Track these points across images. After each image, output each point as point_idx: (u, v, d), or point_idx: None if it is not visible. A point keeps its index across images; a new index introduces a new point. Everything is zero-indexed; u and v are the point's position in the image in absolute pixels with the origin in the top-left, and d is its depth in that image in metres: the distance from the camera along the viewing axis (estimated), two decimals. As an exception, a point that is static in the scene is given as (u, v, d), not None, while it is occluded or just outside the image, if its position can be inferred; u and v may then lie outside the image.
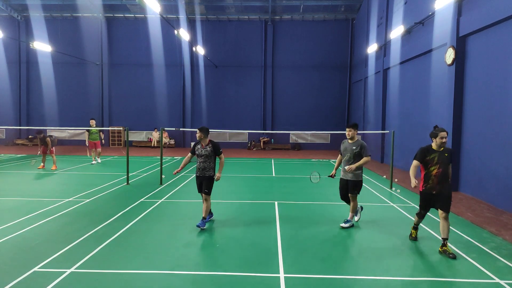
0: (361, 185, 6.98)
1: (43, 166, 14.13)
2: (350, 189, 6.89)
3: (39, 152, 14.54)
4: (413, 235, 6.35)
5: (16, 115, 25.22)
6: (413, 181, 5.71)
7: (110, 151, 20.74)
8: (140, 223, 7.09)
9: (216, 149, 6.82)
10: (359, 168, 6.89)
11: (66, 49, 23.87)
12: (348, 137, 7.04)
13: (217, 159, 7.16)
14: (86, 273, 4.82)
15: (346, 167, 6.78)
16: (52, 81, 24.82)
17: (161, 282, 4.61)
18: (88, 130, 15.54)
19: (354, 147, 6.89)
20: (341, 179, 7.11)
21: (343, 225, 6.96)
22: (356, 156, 6.90)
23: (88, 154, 17.15)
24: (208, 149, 6.74)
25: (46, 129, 13.87)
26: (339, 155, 7.21)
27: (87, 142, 15.71)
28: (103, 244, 5.86)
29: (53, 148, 14.18)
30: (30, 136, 25.20)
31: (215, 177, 6.84)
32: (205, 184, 6.80)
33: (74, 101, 25.06)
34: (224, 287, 4.53)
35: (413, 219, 7.65)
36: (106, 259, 5.30)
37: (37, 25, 24.55)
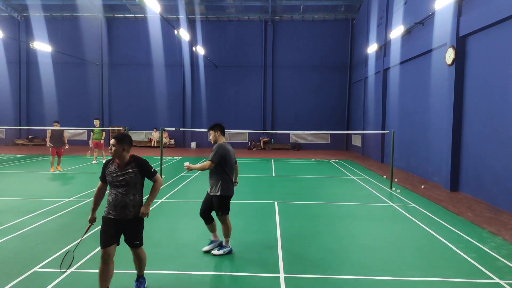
0: (225, 202, 5.43)
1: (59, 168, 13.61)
2: (214, 207, 5.49)
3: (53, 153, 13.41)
4: None
5: (16, 115, 25.22)
6: None
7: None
8: (140, 223, 7.08)
9: (145, 170, 4.15)
10: (214, 178, 5.42)
11: (66, 49, 23.87)
12: (212, 142, 5.58)
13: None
14: (86, 273, 4.82)
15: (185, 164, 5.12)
16: (52, 81, 24.81)
17: (161, 282, 4.61)
18: (91, 130, 15.62)
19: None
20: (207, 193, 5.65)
21: (215, 252, 5.51)
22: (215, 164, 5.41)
23: (88, 154, 17.17)
24: (130, 170, 4.05)
25: (46, 129, 13.78)
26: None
27: (91, 143, 15.82)
28: (103, 244, 5.85)
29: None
30: (30, 136, 25.20)
31: (141, 213, 4.12)
32: (131, 232, 4.14)
33: (74, 101, 25.06)
34: (224, 287, 4.53)
35: (413, 219, 7.67)
36: (106, 259, 5.29)
37: (37, 25, 24.55)
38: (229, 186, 5.47)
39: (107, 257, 3.95)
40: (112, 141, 3.98)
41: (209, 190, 5.53)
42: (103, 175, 4.14)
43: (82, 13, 24.37)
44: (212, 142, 5.56)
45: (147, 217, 4.23)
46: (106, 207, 4.10)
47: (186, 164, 5.09)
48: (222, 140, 5.58)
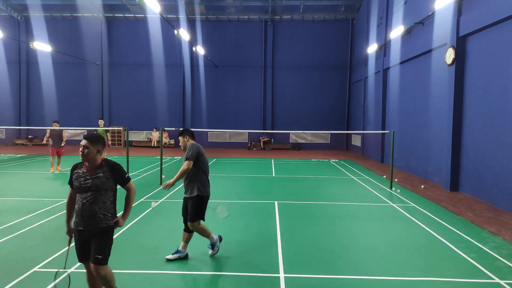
0: (201, 205, 5.21)
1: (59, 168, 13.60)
2: (188, 211, 5.20)
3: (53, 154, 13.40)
4: None
5: (16, 115, 25.22)
6: None
7: (110, 151, 20.73)
8: (140, 223, 7.09)
9: (118, 175, 3.72)
10: (191, 178, 5.20)
11: (66, 49, 23.86)
12: (182, 147, 5.43)
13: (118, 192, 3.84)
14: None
15: (162, 185, 5.10)
16: (52, 81, 24.82)
17: (161, 282, 4.61)
18: (95, 130, 15.65)
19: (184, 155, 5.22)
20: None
21: (169, 257, 5.26)
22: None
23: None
24: (101, 175, 3.62)
25: (46, 129, 13.77)
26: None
27: None
28: (103, 244, 5.85)
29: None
30: (30, 136, 25.20)
31: (114, 223, 3.73)
32: (96, 244, 3.64)
33: (74, 101, 25.06)
34: (224, 287, 4.53)
35: (413, 219, 7.67)
36: (106, 259, 5.29)
37: (37, 25, 24.56)
38: (206, 187, 5.27)
39: (89, 268, 3.69)
40: (83, 142, 3.58)
41: (184, 193, 5.28)
42: (71, 179, 3.70)
43: (82, 13, 24.37)
44: (182, 148, 5.41)
45: (120, 226, 3.80)
46: (75, 217, 3.67)
47: (164, 184, 4.97)
48: (190, 143, 5.38)
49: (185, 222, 5.31)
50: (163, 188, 4.98)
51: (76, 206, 3.65)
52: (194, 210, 5.12)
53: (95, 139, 3.61)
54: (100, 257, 3.60)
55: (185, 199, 5.28)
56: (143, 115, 24.76)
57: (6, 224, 6.79)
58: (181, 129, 5.50)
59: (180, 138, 5.43)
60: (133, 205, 8.59)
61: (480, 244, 6.10)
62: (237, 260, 5.35)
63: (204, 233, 5.30)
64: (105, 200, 3.65)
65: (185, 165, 5.06)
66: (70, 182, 3.72)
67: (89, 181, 3.57)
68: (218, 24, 24.73)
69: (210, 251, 5.44)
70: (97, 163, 3.64)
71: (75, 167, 3.71)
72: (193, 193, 5.16)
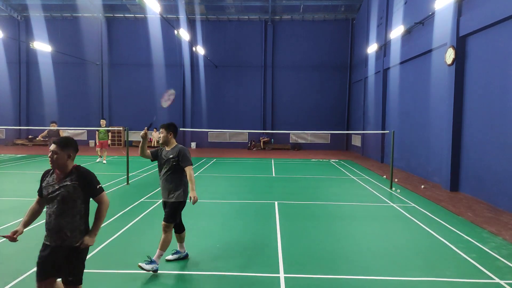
0: (181, 209, 5.05)
1: None
2: (165, 214, 4.99)
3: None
4: None
5: (16, 115, 25.22)
6: None
7: (110, 151, 20.74)
8: (140, 223, 7.09)
9: (87, 184, 3.27)
10: (177, 181, 4.98)
11: (66, 49, 23.87)
12: (160, 142, 5.14)
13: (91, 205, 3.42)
14: (86, 273, 4.79)
15: (190, 197, 4.92)
16: (52, 81, 24.82)
17: (161, 282, 4.61)
18: (97, 130, 15.88)
19: (171, 156, 4.96)
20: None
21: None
22: (175, 169, 4.95)
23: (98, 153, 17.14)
24: (69, 183, 3.20)
25: (46, 129, 13.77)
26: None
27: (96, 141, 16.04)
28: (103, 244, 5.85)
29: None
30: (30, 136, 25.20)
31: (87, 241, 3.30)
32: (65, 265, 3.26)
33: (74, 101, 25.06)
34: (224, 287, 4.53)
35: (413, 219, 7.67)
36: (106, 259, 5.30)
37: (37, 25, 24.56)
38: (187, 191, 5.09)
39: None
40: (52, 146, 3.16)
41: (165, 195, 4.98)
42: (40, 188, 3.33)
43: (82, 13, 24.37)
44: (161, 142, 5.08)
45: (89, 245, 3.32)
46: (46, 234, 3.30)
47: (194, 201, 4.85)
48: (174, 142, 5.09)
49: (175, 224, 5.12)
50: (194, 203, 4.91)
51: (46, 218, 3.25)
52: (174, 212, 4.93)
53: (65, 143, 3.21)
54: (71, 279, 3.24)
55: (166, 202, 5.02)
56: (143, 115, 24.73)
57: (6, 224, 6.80)
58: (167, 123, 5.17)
59: (163, 131, 5.05)
60: (133, 205, 8.60)
61: (480, 244, 6.10)
62: (237, 260, 5.35)
63: (168, 242, 4.91)
64: (74, 214, 3.20)
65: (192, 174, 4.96)
66: (40, 191, 3.34)
67: (56, 191, 3.16)
68: (218, 24, 24.73)
69: (146, 264, 4.74)
70: (67, 170, 3.23)
71: (45, 174, 3.34)
72: (179, 197, 4.95)
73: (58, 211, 3.16)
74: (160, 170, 5.09)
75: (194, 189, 4.94)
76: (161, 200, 5.19)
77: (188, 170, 4.96)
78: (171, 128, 5.09)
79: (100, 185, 3.34)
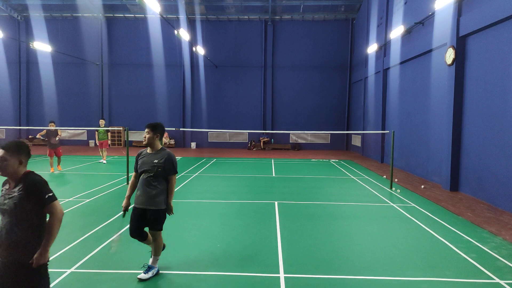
0: (165, 216, 4.80)
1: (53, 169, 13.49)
2: (150, 223, 4.66)
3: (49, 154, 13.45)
4: None
5: (16, 115, 25.22)
6: None
7: (110, 151, 20.74)
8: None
9: (33, 194, 2.87)
10: (160, 188, 4.66)
11: (66, 49, 23.88)
12: (144, 143, 4.75)
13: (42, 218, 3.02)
14: (86, 273, 4.82)
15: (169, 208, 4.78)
16: (52, 81, 24.81)
17: (161, 282, 4.61)
18: (96, 130, 15.92)
19: (156, 160, 4.61)
20: (134, 208, 4.71)
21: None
22: (160, 175, 4.63)
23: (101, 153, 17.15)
24: (16, 194, 2.85)
25: (45, 129, 13.77)
26: (133, 175, 4.80)
27: (96, 141, 16.07)
28: (103, 244, 5.86)
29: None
30: (30, 136, 25.21)
31: (37, 259, 2.85)
32: (21, 283, 2.84)
33: (74, 101, 25.06)
34: (224, 287, 4.53)
35: (413, 219, 7.67)
36: (106, 259, 5.30)
37: (37, 25, 24.55)
38: (166, 198, 4.80)
39: None
40: (0, 152, 2.83)
41: (144, 201, 4.61)
42: None
43: (82, 13, 24.37)
44: (144, 143, 4.71)
45: (42, 263, 2.87)
46: None
47: (170, 212, 4.77)
48: (159, 145, 4.75)
49: (136, 233, 4.72)
50: (170, 215, 4.81)
51: None
52: (159, 219, 4.71)
53: (15, 148, 2.87)
54: None
55: (139, 208, 4.66)
56: (143, 115, 24.74)
57: None
58: (155, 123, 4.79)
59: (150, 131, 4.63)
60: (133, 205, 8.61)
61: (480, 244, 6.10)
62: (237, 260, 5.35)
63: (159, 246, 4.81)
64: (24, 228, 2.82)
65: (175, 180, 4.77)
66: None
67: (5, 201, 2.84)
68: (218, 24, 24.73)
69: (143, 274, 4.64)
70: (18, 177, 2.89)
71: (4, 184, 3.00)
72: (161, 205, 4.67)
73: (8, 225, 2.82)
74: (138, 174, 4.70)
75: (172, 198, 4.78)
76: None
77: (172, 179, 4.72)
78: (158, 130, 4.68)
79: (50, 194, 2.93)
